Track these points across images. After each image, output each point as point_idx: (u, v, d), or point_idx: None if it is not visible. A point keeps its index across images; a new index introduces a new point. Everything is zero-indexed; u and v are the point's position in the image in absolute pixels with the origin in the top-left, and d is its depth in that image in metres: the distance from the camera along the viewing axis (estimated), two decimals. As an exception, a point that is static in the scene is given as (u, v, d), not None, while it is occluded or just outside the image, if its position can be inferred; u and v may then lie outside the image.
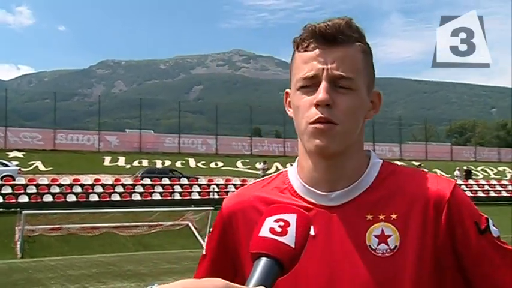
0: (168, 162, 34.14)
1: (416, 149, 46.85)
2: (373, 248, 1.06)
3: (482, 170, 42.67)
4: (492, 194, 34.54)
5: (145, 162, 33.83)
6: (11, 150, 32.32)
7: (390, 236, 1.06)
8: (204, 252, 1.22)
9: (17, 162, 29.62)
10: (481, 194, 33.58)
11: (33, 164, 30.93)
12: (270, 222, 0.88)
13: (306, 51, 1.08)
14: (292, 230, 0.86)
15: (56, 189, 25.96)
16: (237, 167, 35.51)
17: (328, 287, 1.06)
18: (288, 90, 1.17)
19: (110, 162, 33.25)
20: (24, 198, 24.50)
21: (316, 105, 1.05)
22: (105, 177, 28.51)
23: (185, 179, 29.20)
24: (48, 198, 24.89)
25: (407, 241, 1.05)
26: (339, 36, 1.06)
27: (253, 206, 1.16)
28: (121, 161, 33.67)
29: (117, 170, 31.37)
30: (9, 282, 12.60)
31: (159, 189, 27.37)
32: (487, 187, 35.89)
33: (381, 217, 1.07)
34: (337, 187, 1.10)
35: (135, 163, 33.23)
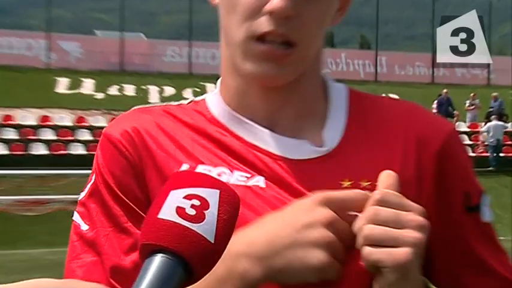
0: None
1: None
2: None
3: None
4: None
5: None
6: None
7: None
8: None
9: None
10: None
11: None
12: (176, 199, 0.51)
13: None
14: (212, 214, 0.51)
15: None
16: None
17: None
18: None
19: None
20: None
21: (270, 13, 0.69)
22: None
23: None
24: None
25: None
26: None
27: (156, 120, 0.77)
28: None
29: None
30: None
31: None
32: None
33: (364, 184, 0.72)
34: (282, 122, 0.77)
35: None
